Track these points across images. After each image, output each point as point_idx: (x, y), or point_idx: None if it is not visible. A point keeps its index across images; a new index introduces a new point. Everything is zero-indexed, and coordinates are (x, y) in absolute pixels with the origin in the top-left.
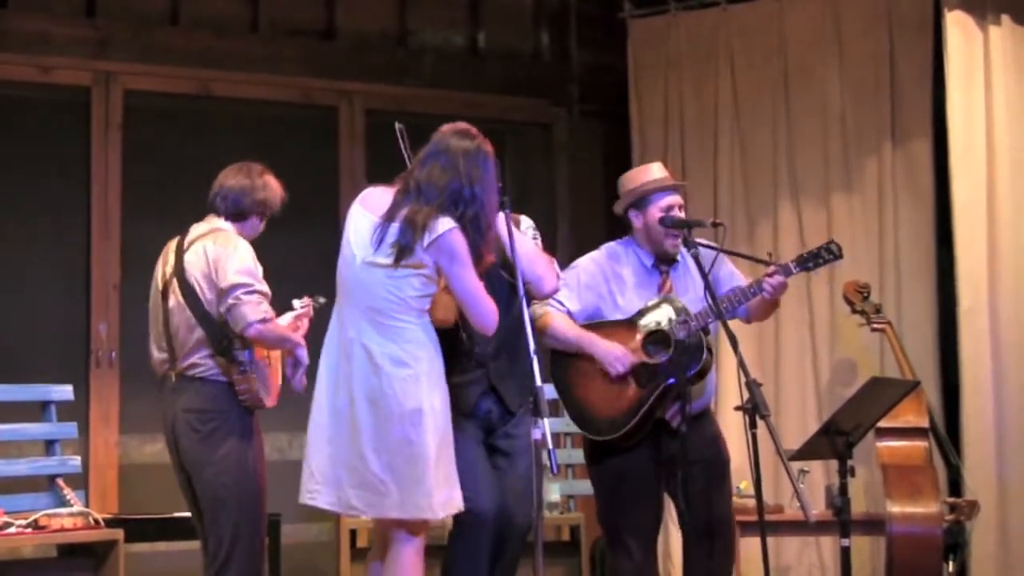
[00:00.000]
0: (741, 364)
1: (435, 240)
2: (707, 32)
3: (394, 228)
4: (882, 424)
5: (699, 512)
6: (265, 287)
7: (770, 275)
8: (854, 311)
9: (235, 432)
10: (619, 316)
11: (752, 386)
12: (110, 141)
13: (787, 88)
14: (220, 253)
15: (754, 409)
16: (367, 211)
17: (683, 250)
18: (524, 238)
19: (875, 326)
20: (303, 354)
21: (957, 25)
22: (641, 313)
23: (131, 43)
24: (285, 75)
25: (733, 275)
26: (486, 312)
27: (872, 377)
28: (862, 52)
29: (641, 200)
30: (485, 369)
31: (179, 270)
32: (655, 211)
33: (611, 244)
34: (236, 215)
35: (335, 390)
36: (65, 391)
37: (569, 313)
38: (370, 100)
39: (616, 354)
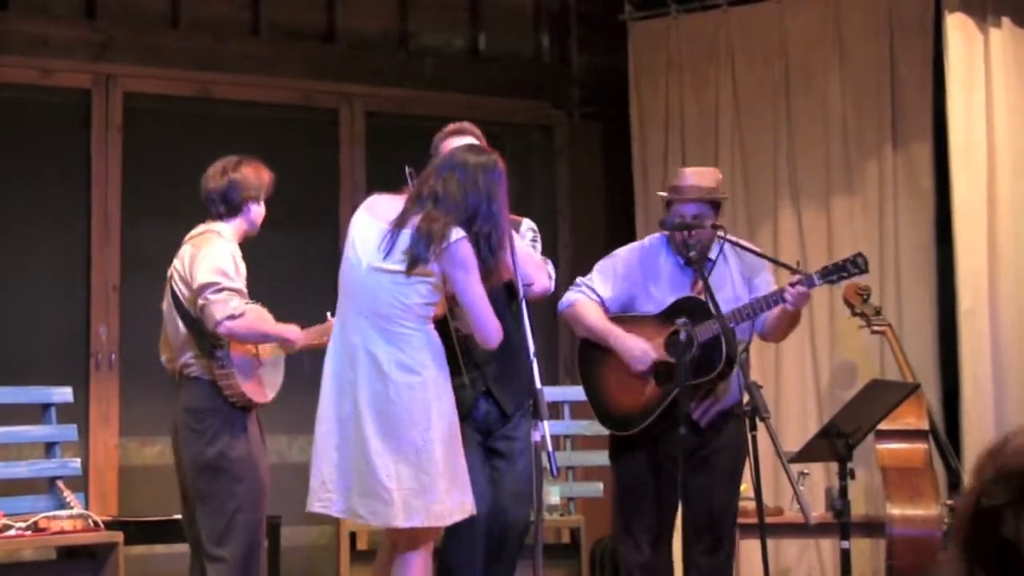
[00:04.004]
0: (742, 366)
1: (445, 248)
2: (707, 34)
3: (405, 235)
4: (882, 426)
5: (698, 508)
6: (237, 284)
7: (792, 284)
8: (854, 313)
9: (226, 431)
10: (651, 308)
11: (752, 388)
12: (110, 143)
13: (788, 90)
14: (195, 254)
15: (754, 411)
16: (374, 218)
17: (720, 246)
18: (519, 241)
19: (875, 328)
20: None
21: (957, 27)
22: (670, 310)
23: (131, 45)
24: (285, 77)
25: (770, 286)
26: (490, 327)
27: (872, 379)
28: (863, 54)
29: (667, 205)
30: (481, 371)
31: (170, 273)
32: (671, 217)
33: (655, 235)
34: (231, 211)
35: (340, 397)
36: (65, 393)
37: (601, 301)
38: (371, 102)
39: (636, 353)
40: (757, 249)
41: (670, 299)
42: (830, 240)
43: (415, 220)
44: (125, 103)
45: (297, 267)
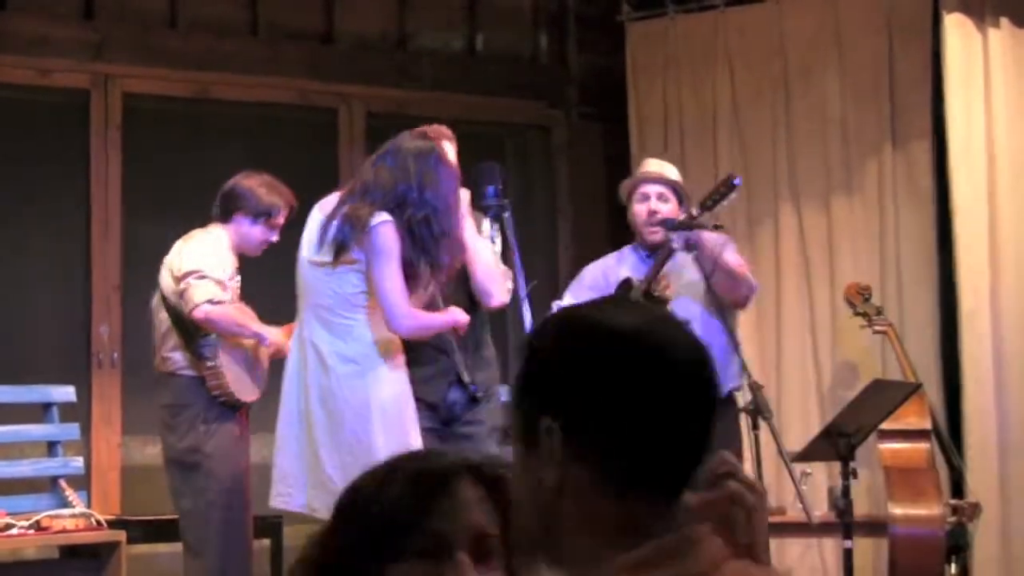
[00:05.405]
0: (743, 366)
1: (366, 234)
2: (706, 34)
3: (334, 226)
4: (884, 426)
5: None
6: (220, 275)
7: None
8: (856, 313)
9: (200, 425)
10: None
11: (754, 388)
12: (109, 143)
13: (786, 90)
14: (184, 247)
15: (756, 411)
16: (320, 212)
17: (674, 236)
18: (485, 250)
19: (877, 328)
20: (268, 342)
21: (956, 27)
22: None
23: (130, 45)
24: (284, 77)
25: (735, 260)
26: (397, 313)
27: (874, 379)
28: (861, 54)
29: (628, 197)
30: (451, 359)
31: (161, 270)
32: (633, 203)
33: (623, 248)
34: (222, 215)
35: (297, 392)
36: (67, 392)
37: None
38: (369, 103)
39: None
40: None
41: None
42: (830, 239)
43: (344, 210)
44: (124, 103)
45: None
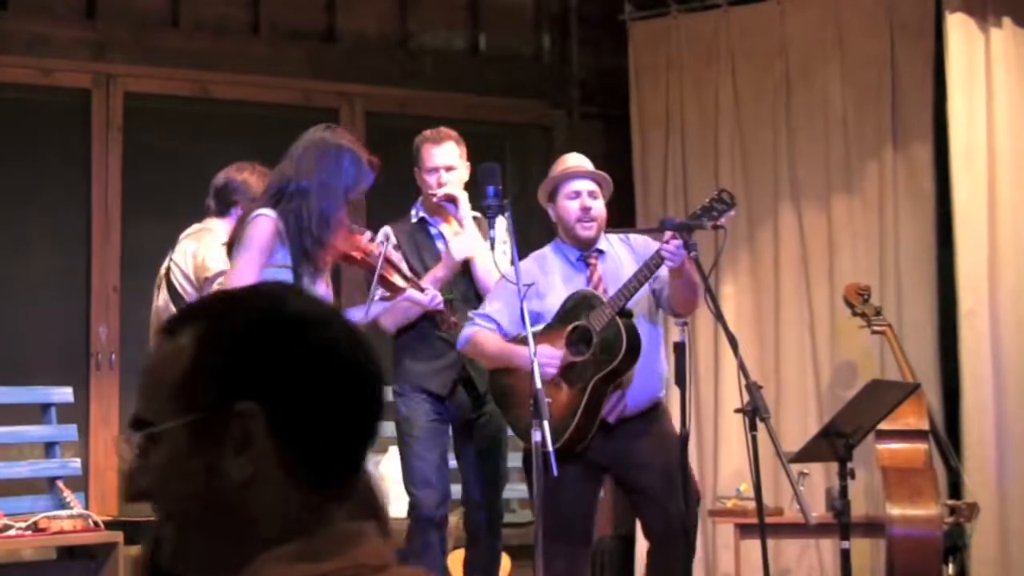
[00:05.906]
0: (741, 367)
1: (245, 227)
2: (708, 34)
3: None
4: (882, 426)
5: (654, 518)
6: None
7: (666, 240)
8: (855, 313)
9: None
10: (546, 308)
11: (752, 389)
12: (110, 143)
13: (788, 90)
14: (199, 249)
15: (754, 412)
16: None
17: (607, 237)
18: (487, 255)
19: (875, 328)
20: None
21: (958, 27)
22: (562, 312)
23: (131, 45)
24: (285, 77)
25: None
26: None
27: (872, 379)
28: (863, 54)
29: (552, 193)
30: (458, 353)
31: (167, 269)
32: (562, 200)
33: (540, 249)
34: (220, 209)
35: None
36: (65, 393)
37: (498, 326)
38: (371, 102)
39: (541, 360)
40: (634, 230)
41: (563, 295)
42: (830, 240)
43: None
44: (125, 103)
45: None
